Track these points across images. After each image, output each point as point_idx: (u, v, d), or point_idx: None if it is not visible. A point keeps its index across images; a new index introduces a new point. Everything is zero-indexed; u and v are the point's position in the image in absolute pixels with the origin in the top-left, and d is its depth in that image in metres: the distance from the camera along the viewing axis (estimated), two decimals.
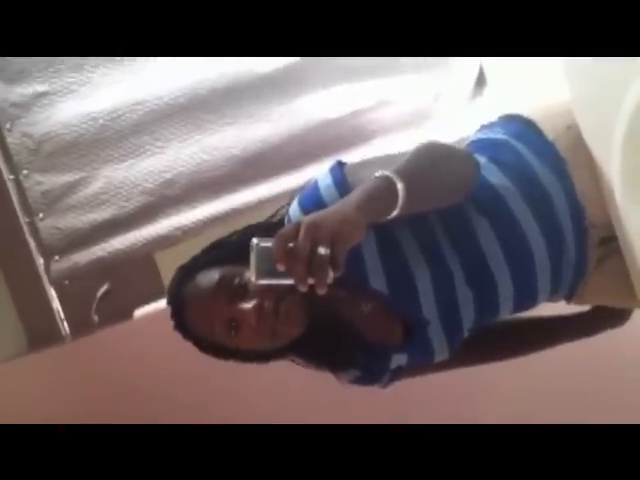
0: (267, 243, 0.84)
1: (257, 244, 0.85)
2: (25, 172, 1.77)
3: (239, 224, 1.12)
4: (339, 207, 0.87)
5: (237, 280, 1.01)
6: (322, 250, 0.80)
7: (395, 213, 0.89)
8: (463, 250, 1.03)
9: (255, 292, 0.99)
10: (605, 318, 1.21)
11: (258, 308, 0.99)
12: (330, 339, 1.07)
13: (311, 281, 0.81)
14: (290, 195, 1.10)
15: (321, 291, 0.81)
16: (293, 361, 1.11)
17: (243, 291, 1.00)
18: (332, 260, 0.80)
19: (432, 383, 1.18)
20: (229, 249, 1.06)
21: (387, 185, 0.88)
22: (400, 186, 0.88)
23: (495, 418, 1.11)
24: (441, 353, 1.08)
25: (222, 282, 1.02)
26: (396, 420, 1.11)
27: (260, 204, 1.92)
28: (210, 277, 1.03)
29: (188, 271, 1.07)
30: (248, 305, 0.99)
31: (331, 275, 0.81)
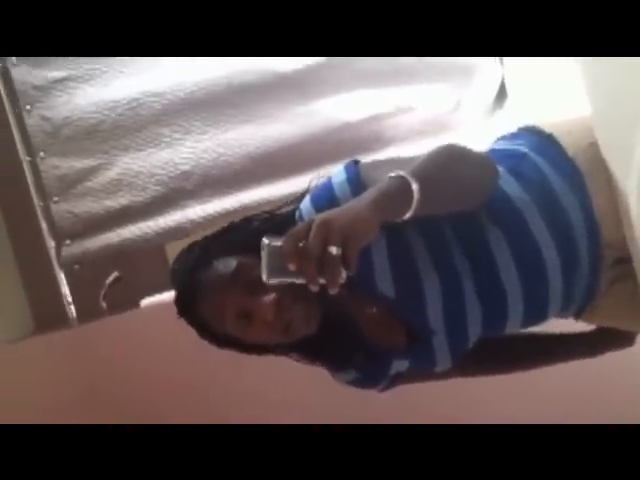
0: (278, 242, 0.83)
1: (268, 243, 0.84)
2: (42, 155, 1.79)
3: None
4: (352, 205, 0.86)
5: (256, 271, 0.95)
6: (334, 249, 0.79)
7: (409, 214, 0.87)
8: (475, 260, 1.02)
9: (273, 286, 0.97)
10: (610, 339, 1.20)
11: (276, 302, 0.98)
12: (333, 338, 1.06)
13: (322, 281, 0.80)
14: (303, 191, 1.09)
15: (333, 291, 0.80)
16: (288, 355, 1.10)
17: (260, 283, 0.96)
18: (344, 259, 0.79)
19: (432, 383, 1.18)
20: (244, 236, 1.03)
21: (402, 185, 0.87)
22: (415, 187, 0.86)
23: (496, 418, 1.10)
24: (443, 363, 1.07)
25: (240, 272, 1.00)
26: (396, 420, 1.11)
27: (273, 202, 1.91)
28: (228, 265, 1.00)
29: (202, 255, 1.04)
30: (267, 298, 0.98)
31: (343, 275, 0.80)
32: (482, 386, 1.24)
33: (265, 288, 0.97)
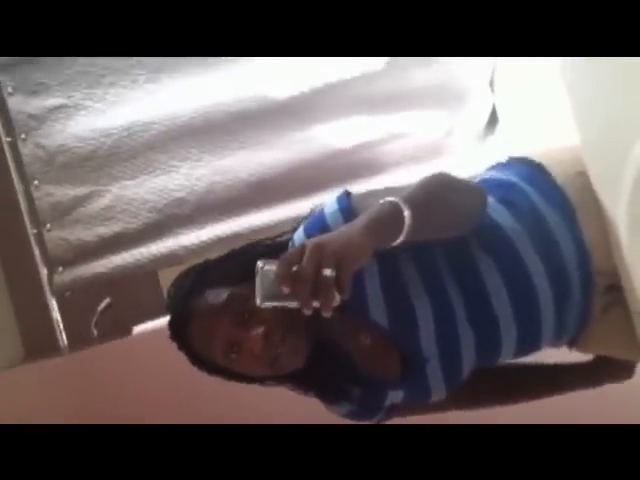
0: (272, 266, 0.84)
1: (262, 267, 0.85)
2: (36, 183, 1.79)
3: None
4: (344, 230, 0.87)
5: (248, 302, 0.97)
6: (327, 272, 0.79)
7: (400, 240, 0.88)
8: (467, 288, 1.02)
9: (263, 319, 0.98)
10: (607, 369, 1.20)
11: (265, 336, 0.98)
12: (326, 369, 1.06)
13: (316, 304, 0.80)
14: (297, 221, 1.10)
15: (326, 314, 0.81)
16: (282, 385, 1.10)
17: (251, 315, 0.99)
18: (337, 282, 0.80)
19: None
20: (243, 262, 1.02)
21: (393, 211, 0.88)
22: (407, 213, 0.88)
23: (495, 418, 1.09)
24: (438, 393, 1.07)
25: (231, 302, 1.00)
26: (396, 420, 1.10)
27: (267, 229, 1.92)
28: (219, 295, 1.01)
29: (196, 281, 1.05)
30: (256, 331, 0.98)
31: (337, 298, 0.80)
32: None
33: (255, 320, 0.99)
